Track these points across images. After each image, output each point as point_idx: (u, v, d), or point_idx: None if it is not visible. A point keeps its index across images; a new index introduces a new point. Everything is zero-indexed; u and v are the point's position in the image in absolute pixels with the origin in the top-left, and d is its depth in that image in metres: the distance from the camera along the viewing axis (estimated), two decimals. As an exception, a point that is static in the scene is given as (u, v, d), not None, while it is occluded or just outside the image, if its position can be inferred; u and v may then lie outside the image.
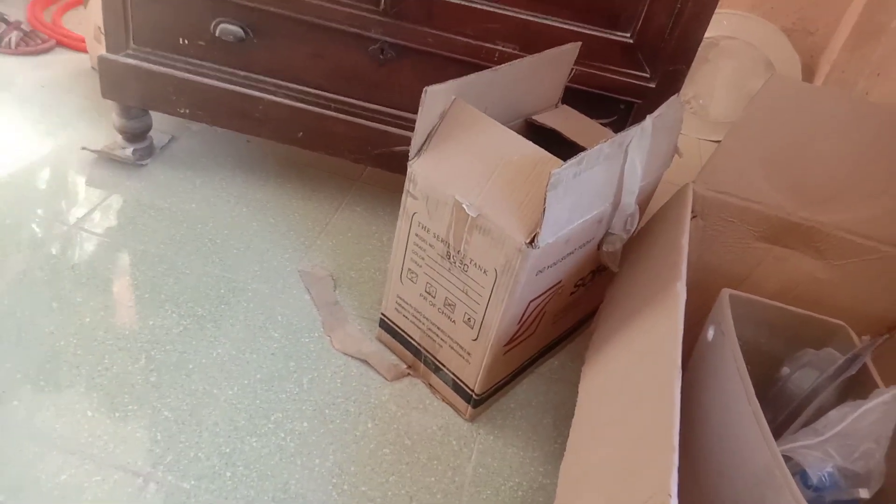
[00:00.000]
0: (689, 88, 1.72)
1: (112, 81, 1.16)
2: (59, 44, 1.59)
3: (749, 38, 1.67)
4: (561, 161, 0.76)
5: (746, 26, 1.68)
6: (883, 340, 0.73)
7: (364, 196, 1.30)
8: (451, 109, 0.82)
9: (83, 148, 1.24)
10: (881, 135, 0.85)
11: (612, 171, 0.80)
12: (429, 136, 0.83)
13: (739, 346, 0.72)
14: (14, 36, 1.51)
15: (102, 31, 1.34)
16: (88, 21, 1.44)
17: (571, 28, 0.98)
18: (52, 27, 1.62)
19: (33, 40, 1.53)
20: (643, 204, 0.93)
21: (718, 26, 1.67)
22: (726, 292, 0.79)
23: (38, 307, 0.94)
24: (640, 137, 0.81)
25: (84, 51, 1.55)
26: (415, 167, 0.83)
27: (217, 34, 1.07)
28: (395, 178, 0.92)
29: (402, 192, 0.85)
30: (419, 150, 0.84)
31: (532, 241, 0.74)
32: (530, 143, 0.80)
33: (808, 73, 1.68)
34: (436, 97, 0.80)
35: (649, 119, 0.80)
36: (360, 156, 1.15)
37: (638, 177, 0.84)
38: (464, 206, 0.78)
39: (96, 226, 1.10)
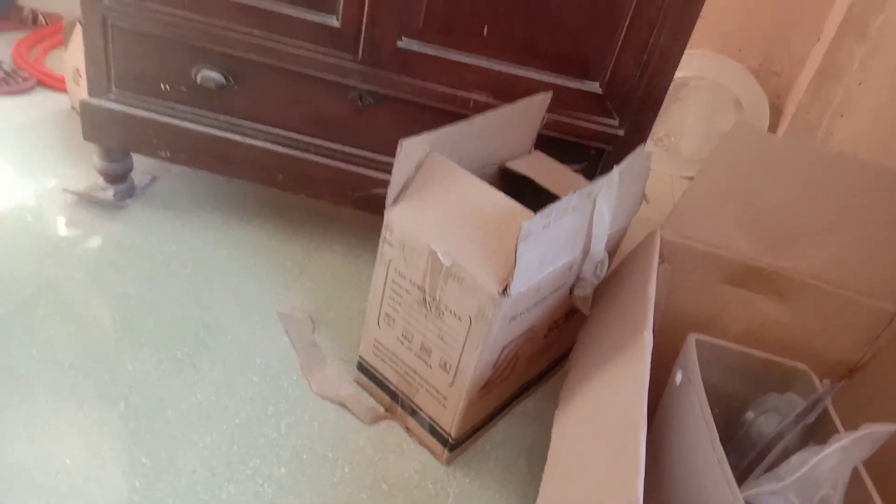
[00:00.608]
0: (660, 127, 1.76)
1: (93, 125, 1.17)
2: (41, 83, 1.60)
3: (718, 78, 1.73)
4: (531, 213, 0.78)
5: (716, 66, 1.74)
6: (841, 386, 0.76)
7: (343, 236, 1.32)
8: (427, 161, 0.85)
9: (64, 190, 1.25)
10: (836, 183, 0.89)
11: (581, 221, 0.83)
12: (405, 187, 0.86)
13: (706, 390, 0.75)
14: (-5, 76, 1.52)
15: (81, 73, 1.37)
16: (68, 61, 1.46)
17: (543, 79, 1.01)
18: (34, 66, 1.64)
19: (14, 80, 1.55)
20: (612, 249, 0.96)
21: (688, 66, 1.72)
22: (693, 337, 0.82)
23: (16, 353, 0.95)
24: (608, 188, 0.84)
25: (65, 91, 1.56)
26: (391, 216, 0.85)
27: (199, 81, 1.09)
28: (374, 219, 0.94)
29: (380, 232, 0.87)
30: (395, 200, 0.86)
31: (505, 290, 0.76)
32: (502, 194, 0.83)
33: (776, 113, 1.74)
34: (411, 150, 0.83)
35: (616, 170, 0.83)
36: (339, 198, 1.17)
37: (606, 225, 0.87)
38: (438, 254, 0.81)
39: (76, 268, 1.11)
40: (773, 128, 1.73)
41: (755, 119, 1.73)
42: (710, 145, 1.76)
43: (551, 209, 0.75)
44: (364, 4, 0.99)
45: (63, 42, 1.62)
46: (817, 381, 0.81)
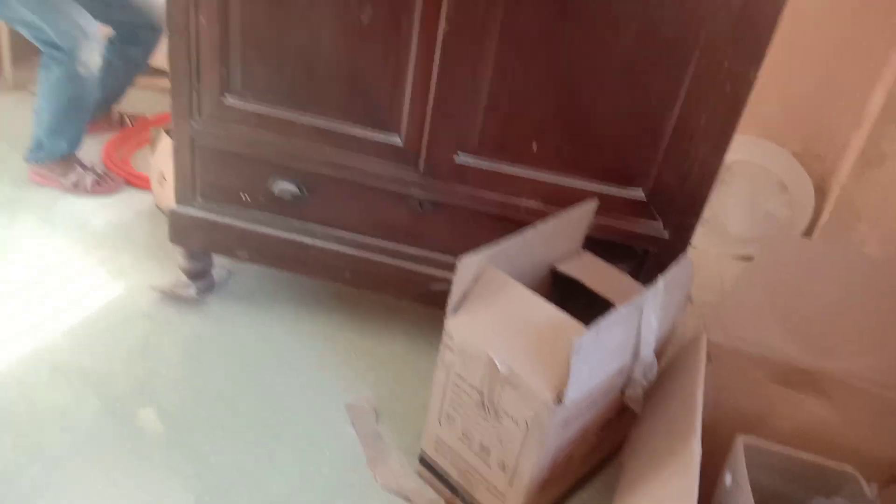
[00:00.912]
0: (706, 209, 1.81)
1: (180, 230, 1.30)
2: (128, 182, 1.76)
3: (762, 162, 1.78)
4: (581, 325, 0.85)
5: (759, 151, 1.79)
6: (888, 490, 0.78)
7: (405, 327, 1.40)
8: (484, 275, 0.93)
9: (150, 287, 1.38)
10: (872, 284, 0.94)
11: (629, 330, 0.89)
12: (464, 298, 0.94)
13: (755, 491, 0.78)
14: (90, 178, 1.69)
15: (166, 177, 1.51)
16: (154, 166, 1.62)
17: (589, 188, 1.09)
18: (122, 167, 1.80)
19: (106, 182, 1.71)
20: (660, 349, 1.01)
21: (733, 150, 1.77)
22: (741, 440, 0.86)
23: (107, 446, 1.04)
24: (654, 297, 0.90)
25: (150, 190, 1.71)
26: (452, 324, 0.93)
27: (276, 192, 1.21)
28: (434, 311, 1.02)
29: (440, 325, 0.94)
30: (456, 309, 0.94)
31: (559, 398, 0.82)
32: (554, 307, 0.90)
33: (820, 195, 1.77)
34: (469, 266, 0.91)
35: (661, 281, 0.90)
36: (401, 293, 1.26)
37: (654, 331, 0.92)
38: (496, 362, 0.88)
39: (162, 363, 1.22)
40: (818, 210, 1.76)
41: (800, 201, 1.77)
42: (757, 226, 1.79)
43: (601, 323, 0.81)
44: (424, 125, 1.09)
45: (149, 142, 1.78)
46: (865, 485, 0.84)
